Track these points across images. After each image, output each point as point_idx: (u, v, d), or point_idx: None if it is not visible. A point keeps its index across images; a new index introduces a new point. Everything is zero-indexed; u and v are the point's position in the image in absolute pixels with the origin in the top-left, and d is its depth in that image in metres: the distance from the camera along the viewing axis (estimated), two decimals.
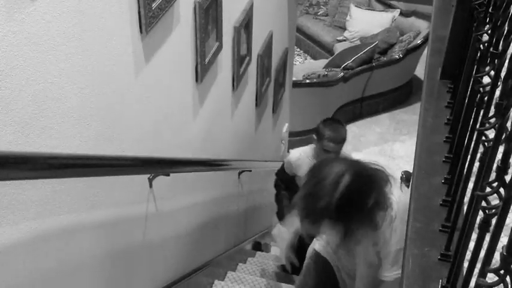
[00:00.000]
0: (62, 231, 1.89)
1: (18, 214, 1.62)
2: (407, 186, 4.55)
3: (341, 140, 3.38)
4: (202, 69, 2.95)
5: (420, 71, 7.50)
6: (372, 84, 7.13)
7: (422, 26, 7.34)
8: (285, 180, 3.74)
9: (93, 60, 1.89)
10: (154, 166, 2.53)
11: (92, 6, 1.82)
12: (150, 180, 2.59)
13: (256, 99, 4.53)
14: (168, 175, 2.67)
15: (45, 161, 1.63)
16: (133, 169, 2.31)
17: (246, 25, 3.68)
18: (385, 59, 7.05)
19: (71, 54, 1.74)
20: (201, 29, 2.81)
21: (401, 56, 6.90)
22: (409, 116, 7.39)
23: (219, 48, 3.19)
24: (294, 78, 6.27)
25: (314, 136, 3.42)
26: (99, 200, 2.12)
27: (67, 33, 1.70)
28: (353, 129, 7.21)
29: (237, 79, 3.76)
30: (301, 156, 3.56)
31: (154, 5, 2.20)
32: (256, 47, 4.16)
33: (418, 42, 7.01)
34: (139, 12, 2.14)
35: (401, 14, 7.86)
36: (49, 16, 1.59)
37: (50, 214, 1.78)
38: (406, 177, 4.60)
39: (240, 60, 3.72)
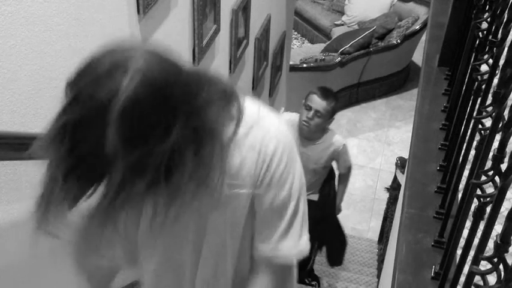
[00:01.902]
0: None
1: (12, 194, 1.62)
2: (403, 173, 4.56)
3: (329, 96, 3.21)
4: (199, 52, 2.94)
5: (418, 57, 7.48)
6: (369, 70, 7.11)
7: (421, 12, 7.30)
8: None
9: (90, 41, 1.88)
10: None
11: None
12: None
13: (253, 83, 4.52)
14: None
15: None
16: None
17: (244, 8, 3.66)
18: (382, 44, 7.02)
19: (67, 34, 1.73)
20: (199, 11, 2.80)
21: (399, 41, 6.87)
22: (405, 102, 7.38)
23: (217, 30, 3.18)
24: (291, 62, 6.25)
25: (303, 101, 3.29)
26: None
27: (64, 14, 1.69)
28: (349, 115, 7.20)
29: (234, 62, 3.74)
30: (289, 121, 3.35)
31: None
32: (254, 30, 4.14)
33: (417, 28, 6.97)
34: None
35: None
36: None
37: None
38: (401, 164, 4.61)
39: (237, 43, 3.70)
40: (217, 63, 3.42)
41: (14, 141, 1.50)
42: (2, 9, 1.41)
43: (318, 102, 3.15)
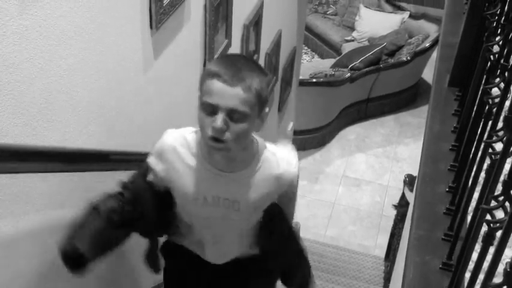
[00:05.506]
0: (68, 223, 1.89)
1: (24, 206, 1.63)
2: (411, 190, 4.53)
3: (243, 70, 1.51)
4: None
5: (427, 74, 7.48)
6: (379, 86, 7.11)
7: (432, 29, 7.31)
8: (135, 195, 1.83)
9: (103, 55, 1.89)
10: None
11: (103, 1, 1.82)
12: None
13: None
14: None
15: (50, 154, 1.64)
16: (138, 164, 2.31)
17: (255, 23, 3.68)
18: (392, 61, 7.03)
19: (80, 48, 1.74)
20: (210, 26, 2.81)
21: (409, 58, 6.87)
22: (415, 119, 7.37)
23: (228, 45, 3.19)
24: (300, 77, 6.26)
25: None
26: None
27: (77, 28, 1.70)
28: (357, 130, 7.20)
29: None
30: (176, 141, 1.79)
31: (165, 2, 2.20)
32: (265, 45, 4.15)
33: (427, 45, 6.98)
34: (150, 9, 2.14)
35: (410, 16, 7.83)
36: (60, 10, 1.60)
37: (56, 207, 1.79)
38: (410, 181, 4.59)
39: None
40: None
41: (25, 154, 1.51)
42: (17, 23, 1.42)
43: (227, 93, 1.50)
